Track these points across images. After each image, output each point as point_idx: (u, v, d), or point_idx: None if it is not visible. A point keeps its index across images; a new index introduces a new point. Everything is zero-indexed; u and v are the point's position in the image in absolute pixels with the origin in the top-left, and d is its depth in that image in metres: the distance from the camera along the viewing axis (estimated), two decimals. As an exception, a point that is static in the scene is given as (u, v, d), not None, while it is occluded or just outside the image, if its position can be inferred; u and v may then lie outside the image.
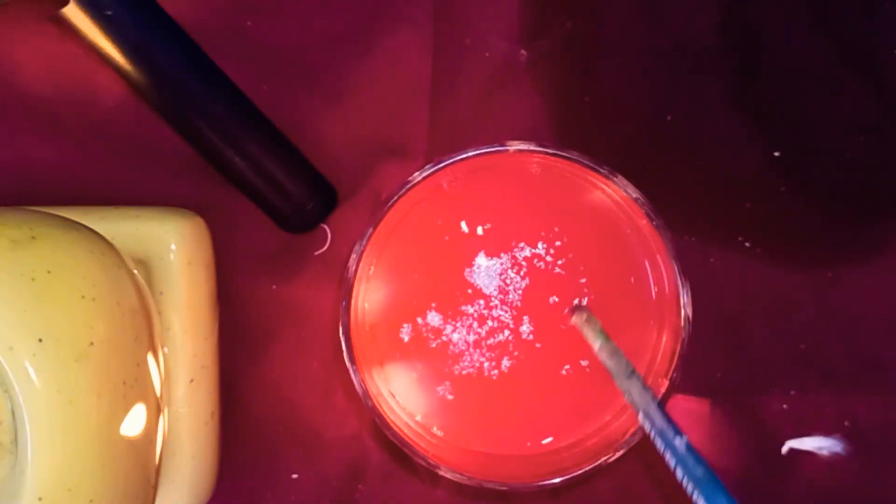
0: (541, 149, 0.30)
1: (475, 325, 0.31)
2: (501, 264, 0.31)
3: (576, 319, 0.30)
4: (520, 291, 0.31)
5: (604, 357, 0.28)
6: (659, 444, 0.24)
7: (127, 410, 0.25)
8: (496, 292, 0.31)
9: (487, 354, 0.31)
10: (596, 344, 0.29)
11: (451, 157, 0.30)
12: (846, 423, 0.36)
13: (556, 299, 0.31)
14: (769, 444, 0.36)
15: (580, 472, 0.30)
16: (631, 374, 0.27)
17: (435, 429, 0.32)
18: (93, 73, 0.35)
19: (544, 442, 0.32)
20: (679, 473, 0.23)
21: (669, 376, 0.30)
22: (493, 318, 0.31)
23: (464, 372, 0.31)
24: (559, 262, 0.31)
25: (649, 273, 0.31)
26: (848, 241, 0.37)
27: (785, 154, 0.36)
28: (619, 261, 0.31)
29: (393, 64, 0.36)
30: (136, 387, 0.26)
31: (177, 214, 0.33)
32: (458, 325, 0.31)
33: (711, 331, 0.35)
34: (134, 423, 0.26)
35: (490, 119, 0.37)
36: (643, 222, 0.31)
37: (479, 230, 0.31)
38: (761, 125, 0.36)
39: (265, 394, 0.37)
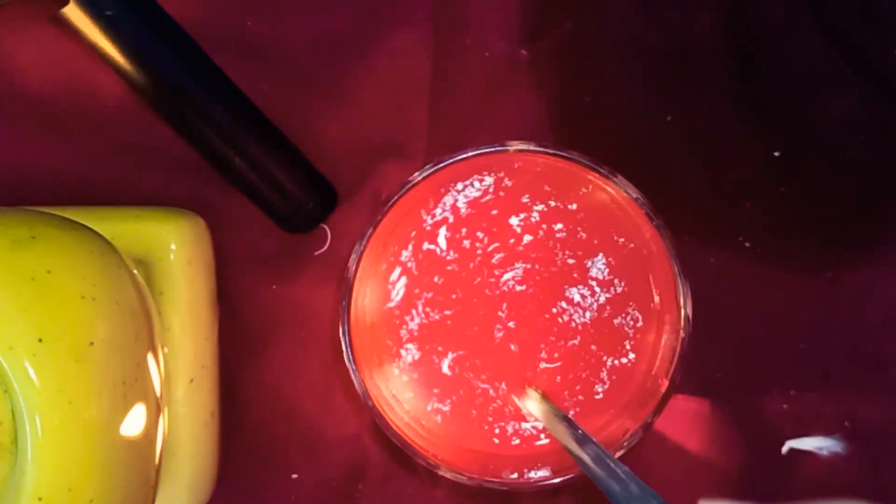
0: (541, 149, 0.30)
1: (476, 325, 0.31)
2: (502, 265, 0.31)
3: (525, 403, 0.30)
4: (521, 293, 0.31)
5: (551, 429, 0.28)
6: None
7: (127, 410, 0.25)
8: (497, 293, 0.31)
9: (488, 355, 0.31)
10: (544, 420, 0.29)
11: (451, 157, 0.30)
12: (846, 423, 0.36)
13: (558, 301, 0.31)
14: (769, 444, 0.36)
15: (580, 472, 0.30)
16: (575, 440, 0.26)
17: (435, 429, 0.32)
18: (93, 73, 0.35)
19: (544, 442, 0.32)
20: None
21: (669, 376, 0.30)
22: (493, 318, 0.31)
23: (465, 371, 0.31)
24: (559, 264, 0.31)
25: (649, 273, 0.31)
26: (848, 241, 0.37)
27: (785, 154, 0.36)
28: (619, 261, 0.31)
29: (393, 64, 0.36)
30: (136, 387, 0.26)
31: (177, 214, 0.33)
32: (460, 325, 0.31)
33: (711, 331, 0.35)
34: (134, 423, 0.26)
35: (490, 119, 0.37)
36: (643, 222, 0.31)
37: (481, 231, 0.31)
38: (761, 125, 0.36)
39: (265, 394, 0.37)
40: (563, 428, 0.27)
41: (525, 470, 0.31)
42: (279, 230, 0.36)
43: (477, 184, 0.31)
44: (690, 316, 0.30)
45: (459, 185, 0.31)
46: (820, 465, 0.36)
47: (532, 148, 0.30)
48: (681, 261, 0.30)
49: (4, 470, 0.23)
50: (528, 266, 0.31)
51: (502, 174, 0.31)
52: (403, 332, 0.31)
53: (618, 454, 0.30)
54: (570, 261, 0.31)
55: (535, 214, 0.31)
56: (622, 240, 0.31)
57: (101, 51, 0.31)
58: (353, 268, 0.30)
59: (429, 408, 0.31)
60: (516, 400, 0.31)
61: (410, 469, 0.36)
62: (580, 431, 0.26)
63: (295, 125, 0.35)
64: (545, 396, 0.30)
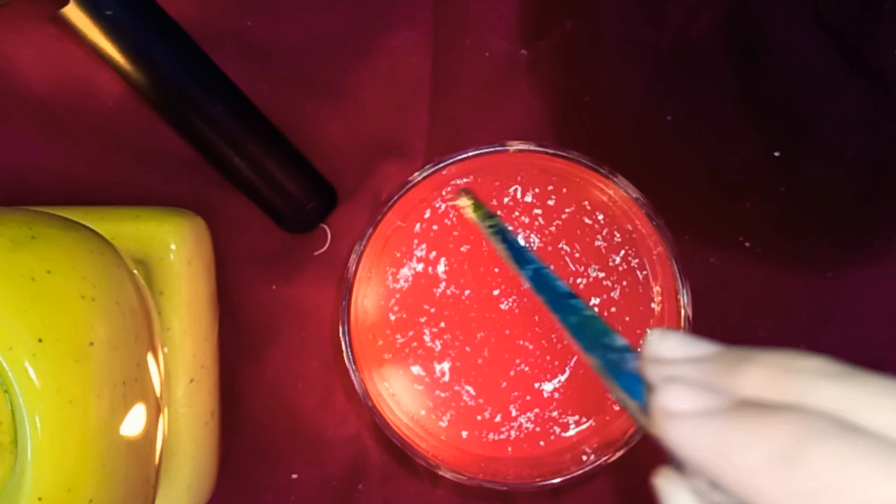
0: (541, 149, 0.30)
1: (476, 325, 0.31)
2: (502, 266, 0.31)
3: (461, 202, 0.29)
4: (520, 295, 0.31)
5: (490, 239, 0.27)
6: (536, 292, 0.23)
7: (127, 410, 0.25)
8: (497, 294, 0.31)
9: (488, 355, 0.31)
10: (482, 227, 0.28)
11: (451, 157, 0.30)
12: (846, 423, 0.36)
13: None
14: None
15: (580, 472, 0.30)
16: (511, 255, 0.25)
17: (435, 429, 0.32)
18: (93, 73, 0.35)
19: (544, 443, 0.32)
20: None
21: (669, 376, 0.30)
22: (494, 320, 0.31)
23: (464, 372, 0.31)
24: (560, 266, 0.31)
25: (650, 273, 0.31)
26: (848, 241, 0.37)
27: (785, 154, 0.36)
28: (620, 261, 0.31)
29: (393, 64, 0.36)
30: (136, 387, 0.26)
31: (177, 214, 0.33)
32: (459, 325, 0.31)
33: (711, 331, 0.35)
34: (134, 423, 0.26)
35: (490, 119, 0.37)
36: (643, 222, 0.31)
37: (480, 232, 0.31)
38: (761, 125, 0.36)
39: (265, 394, 0.37)
40: (497, 238, 0.26)
41: (524, 470, 0.31)
42: (279, 230, 0.36)
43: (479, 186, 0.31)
44: (690, 316, 0.30)
45: (462, 185, 0.31)
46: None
47: (532, 148, 0.30)
48: (681, 261, 0.30)
49: (4, 470, 0.23)
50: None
51: (503, 176, 0.31)
52: (404, 332, 0.31)
53: (618, 454, 0.30)
54: (571, 262, 0.31)
55: (535, 217, 0.31)
56: (622, 240, 0.31)
57: (101, 51, 0.32)
58: (353, 268, 0.30)
59: (429, 408, 0.32)
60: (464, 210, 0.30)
61: (410, 469, 0.36)
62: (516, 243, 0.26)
63: (295, 125, 0.35)
64: (475, 201, 0.29)
